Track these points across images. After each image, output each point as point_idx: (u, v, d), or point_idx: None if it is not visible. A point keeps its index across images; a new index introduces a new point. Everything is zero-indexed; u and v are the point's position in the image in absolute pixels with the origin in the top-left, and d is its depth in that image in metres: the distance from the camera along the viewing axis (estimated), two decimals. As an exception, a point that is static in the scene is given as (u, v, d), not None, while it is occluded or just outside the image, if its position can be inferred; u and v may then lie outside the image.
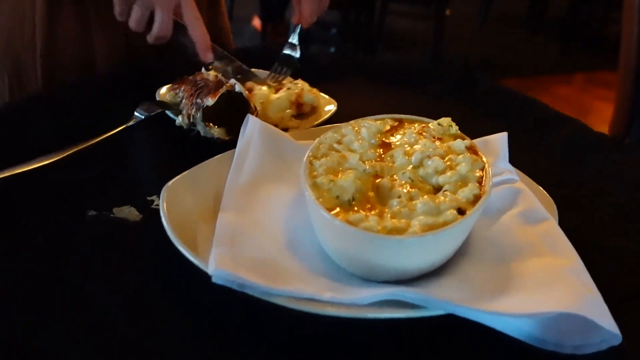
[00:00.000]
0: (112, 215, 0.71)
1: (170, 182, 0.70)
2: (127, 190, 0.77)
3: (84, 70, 1.19)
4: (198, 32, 0.94)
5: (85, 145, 0.82)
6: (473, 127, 1.02)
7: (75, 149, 0.81)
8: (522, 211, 0.70)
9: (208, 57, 0.95)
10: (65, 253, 0.65)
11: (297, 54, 1.09)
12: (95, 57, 1.19)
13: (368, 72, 1.26)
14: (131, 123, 0.89)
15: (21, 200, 0.74)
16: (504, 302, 0.56)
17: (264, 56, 1.27)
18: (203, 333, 0.57)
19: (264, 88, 0.95)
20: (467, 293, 0.58)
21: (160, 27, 0.93)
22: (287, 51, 1.10)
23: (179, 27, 0.96)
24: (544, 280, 0.59)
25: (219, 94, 0.83)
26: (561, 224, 0.70)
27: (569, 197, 0.80)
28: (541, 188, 0.77)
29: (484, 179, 0.67)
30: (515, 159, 0.80)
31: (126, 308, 0.59)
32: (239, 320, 0.58)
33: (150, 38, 0.97)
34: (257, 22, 4.66)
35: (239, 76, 0.99)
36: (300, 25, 1.08)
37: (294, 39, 1.10)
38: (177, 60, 1.18)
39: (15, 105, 1.07)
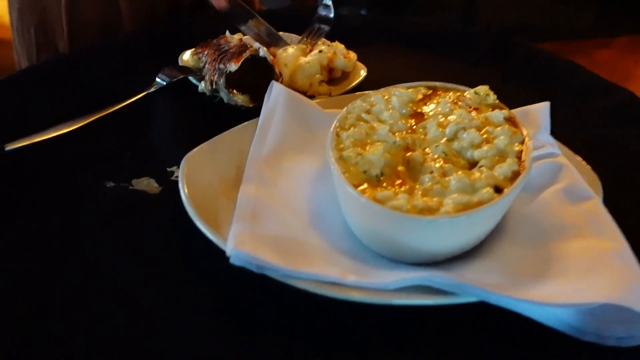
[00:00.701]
0: (130, 187, 0.69)
1: (190, 153, 0.67)
2: (146, 160, 0.74)
3: (109, 29, 1.17)
4: None
5: (104, 113, 0.80)
6: (510, 95, 0.95)
7: (95, 117, 0.79)
8: (564, 188, 0.65)
9: (219, 3, 0.90)
10: (82, 225, 0.64)
11: (331, 14, 1.03)
12: (120, 17, 1.17)
13: (400, 36, 1.19)
14: (152, 90, 0.85)
15: (39, 170, 0.72)
16: (542, 289, 0.52)
17: (293, 19, 1.22)
18: (222, 312, 0.55)
19: (290, 50, 0.90)
20: (502, 277, 0.54)
21: None
22: (321, 12, 1.04)
23: None
24: (587, 265, 0.54)
25: (243, 59, 0.79)
26: (606, 202, 0.65)
27: (615, 173, 0.74)
28: (584, 162, 0.71)
29: (523, 153, 0.62)
30: (556, 130, 0.74)
31: (143, 284, 0.57)
32: (257, 298, 0.55)
33: None
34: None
35: (272, 38, 0.95)
36: None
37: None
38: (201, 22, 1.15)
39: (35, 69, 1.05)
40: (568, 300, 0.49)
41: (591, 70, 1.00)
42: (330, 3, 1.04)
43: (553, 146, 0.71)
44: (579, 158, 0.72)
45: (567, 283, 0.52)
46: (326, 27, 1.02)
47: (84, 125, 0.78)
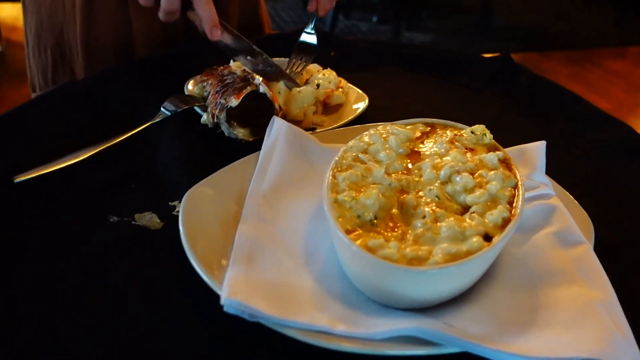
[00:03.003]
0: (133, 222, 0.70)
1: (190, 191, 0.69)
2: (150, 192, 0.76)
3: (123, 53, 1.19)
4: (204, 8, 0.88)
5: (110, 144, 0.82)
6: (509, 125, 0.97)
7: (101, 148, 0.81)
8: (556, 231, 0.66)
9: (215, 35, 0.89)
10: (84, 261, 0.65)
11: (314, 42, 1.05)
12: (133, 40, 1.19)
13: (403, 60, 1.21)
14: (157, 120, 0.87)
15: (46, 202, 0.74)
16: (527, 340, 0.53)
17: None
18: (220, 350, 0.56)
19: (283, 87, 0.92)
20: (489, 327, 0.55)
21: (166, 1, 0.89)
22: (304, 39, 1.06)
23: (189, 4, 0.91)
24: (572, 316, 0.55)
25: (243, 95, 0.81)
26: (598, 241, 0.66)
27: (609, 211, 0.75)
28: (578, 204, 0.72)
29: (515, 198, 0.63)
30: (554, 163, 0.75)
31: (142, 322, 0.59)
32: (254, 336, 0.56)
33: (160, 14, 0.93)
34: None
35: (269, 68, 0.95)
36: (316, 13, 1.04)
37: (310, 27, 1.06)
38: (212, 49, 1.16)
39: (41, 99, 1.07)
40: (551, 354, 0.51)
41: (591, 103, 1.01)
42: (313, 31, 1.06)
43: (548, 187, 0.72)
44: (572, 198, 0.73)
45: (552, 335, 0.54)
46: (309, 58, 1.03)
47: (89, 155, 0.80)
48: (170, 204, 0.73)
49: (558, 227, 0.67)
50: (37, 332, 0.57)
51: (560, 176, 0.76)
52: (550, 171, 0.75)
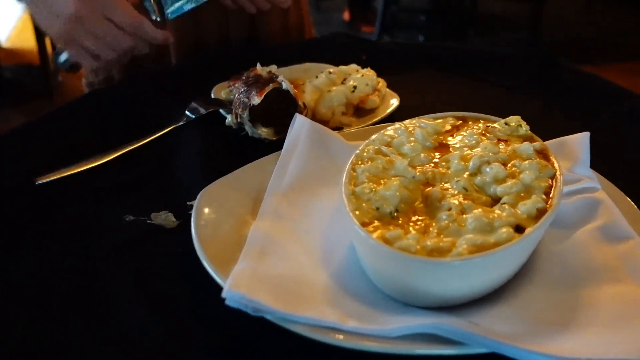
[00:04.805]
0: (148, 221, 0.68)
1: (206, 188, 0.67)
2: (169, 193, 0.74)
3: (158, 57, 1.19)
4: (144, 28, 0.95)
5: (134, 146, 0.81)
6: (552, 122, 0.91)
7: (124, 150, 0.80)
8: (601, 226, 0.60)
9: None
10: (96, 259, 0.63)
11: None
12: (168, 45, 1.19)
13: (437, 61, 1.16)
14: (181, 123, 0.86)
15: (65, 203, 0.73)
16: (564, 340, 0.47)
17: (331, 48, 1.22)
18: (227, 351, 0.53)
19: (320, 79, 0.89)
20: (521, 326, 0.50)
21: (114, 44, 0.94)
22: None
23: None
24: (617, 314, 0.49)
25: (265, 93, 0.78)
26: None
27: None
28: (628, 198, 0.66)
29: (553, 189, 0.58)
30: (598, 160, 0.69)
31: (151, 320, 0.56)
32: (262, 339, 0.53)
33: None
34: (346, 15, 4.66)
35: None
36: None
37: None
38: (242, 55, 1.16)
39: (73, 102, 1.07)
40: (592, 355, 0.45)
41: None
42: None
43: (592, 180, 0.66)
44: (621, 192, 0.66)
45: (593, 334, 0.47)
46: None
47: (111, 159, 0.79)
48: (188, 203, 0.71)
49: (603, 222, 0.60)
50: (51, 329, 0.56)
51: (605, 174, 0.69)
52: (595, 169, 0.68)
